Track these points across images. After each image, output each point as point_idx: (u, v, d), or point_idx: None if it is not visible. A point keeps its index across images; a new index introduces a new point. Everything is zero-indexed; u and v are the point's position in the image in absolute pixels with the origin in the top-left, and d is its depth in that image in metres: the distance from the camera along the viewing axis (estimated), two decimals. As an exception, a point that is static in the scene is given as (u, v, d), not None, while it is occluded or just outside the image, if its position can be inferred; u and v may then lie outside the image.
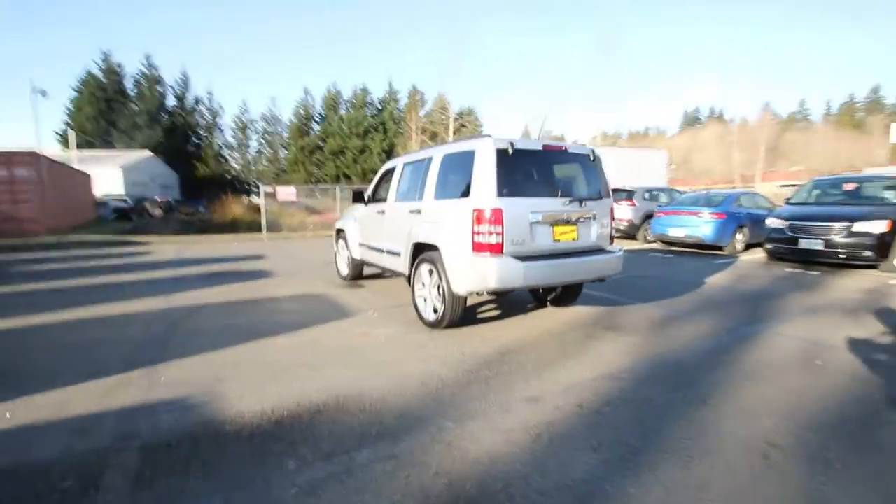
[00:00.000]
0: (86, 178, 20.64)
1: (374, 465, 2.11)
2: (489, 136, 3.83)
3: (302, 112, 44.52)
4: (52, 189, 15.28)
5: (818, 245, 7.50)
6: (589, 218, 4.13)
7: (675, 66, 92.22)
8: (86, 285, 6.57)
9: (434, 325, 4.16)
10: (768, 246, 8.42)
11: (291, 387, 3.00)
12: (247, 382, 3.07)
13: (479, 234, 3.67)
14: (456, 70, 42.17)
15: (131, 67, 55.40)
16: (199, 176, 40.09)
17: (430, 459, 2.16)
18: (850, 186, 8.56)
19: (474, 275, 3.70)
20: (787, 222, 8.01)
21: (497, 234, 3.59)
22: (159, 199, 28.09)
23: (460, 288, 3.82)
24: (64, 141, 33.90)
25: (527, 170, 3.80)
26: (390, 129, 44.17)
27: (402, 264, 4.80)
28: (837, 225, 7.36)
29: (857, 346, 3.76)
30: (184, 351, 3.66)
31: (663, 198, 13.01)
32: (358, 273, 6.49)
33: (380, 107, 45.85)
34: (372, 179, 5.98)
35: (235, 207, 29.09)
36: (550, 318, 4.69)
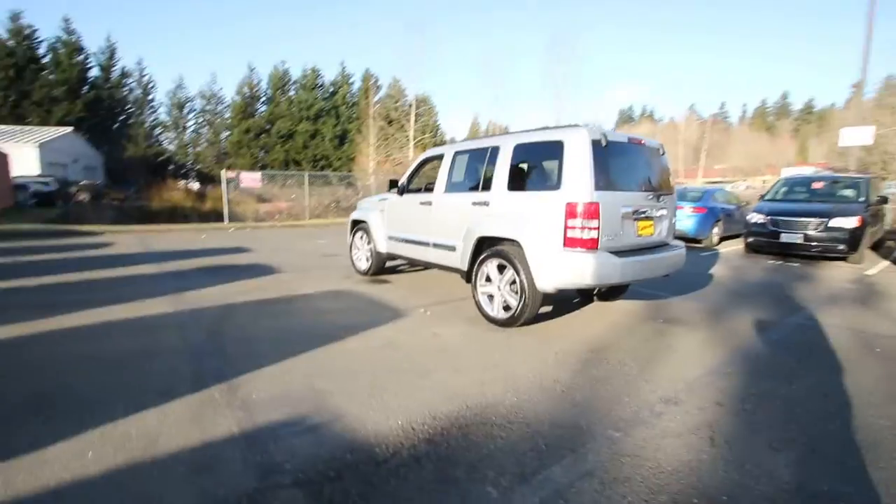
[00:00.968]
0: (1, 157, 17.87)
1: (579, 485, 1.94)
2: (578, 125, 3.70)
3: (246, 91, 41.55)
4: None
5: (798, 238, 8.14)
6: (663, 212, 4.14)
7: (614, 67, 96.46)
8: (61, 283, 5.66)
9: (506, 324, 3.99)
10: (750, 239, 9.02)
11: (410, 397, 2.73)
12: (355, 394, 2.75)
13: (572, 228, 3.54)
14: (414, 57, 41.13)
15: (47, 31, 48.83)
16: (127, 157, 36.28)
17: (629, 474, 2.02)
18: (817, 185, 9.38)
19: (567, 270, 3.58)
20: (769, 217, 8.62)
21: (593, 228, 3.49)
22: (87, 183, 25.07)
23: (547, 284, 3.69)
24: (-39, 113, 29.29)
25: (615, 163, 3.71)
26: (343, 113, 42.56)
27: (456, 259, 4.57)
28: (815, 220, 8.02)
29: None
30: (252, 361, 3.22)
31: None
32: (380, 267, 6.13)
33: (332, 90, 43.95)
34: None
35: (174, 193, 26.81)
36: (605, 312, 4.68)
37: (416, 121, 30.45)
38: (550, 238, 3.66)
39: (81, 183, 24.69)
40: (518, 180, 4.01)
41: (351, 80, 44.75)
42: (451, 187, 4.78)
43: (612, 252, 3.60)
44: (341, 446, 2.21)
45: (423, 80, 29.95)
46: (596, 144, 3.56)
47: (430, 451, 2.17)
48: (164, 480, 1.95)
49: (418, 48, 28.48)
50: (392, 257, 5.91)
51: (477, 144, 4.66)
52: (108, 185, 30.36)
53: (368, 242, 6.15)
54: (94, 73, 36.76)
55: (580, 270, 3.52)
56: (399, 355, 3.42)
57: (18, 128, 28.62)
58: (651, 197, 3.96)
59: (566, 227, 3.56)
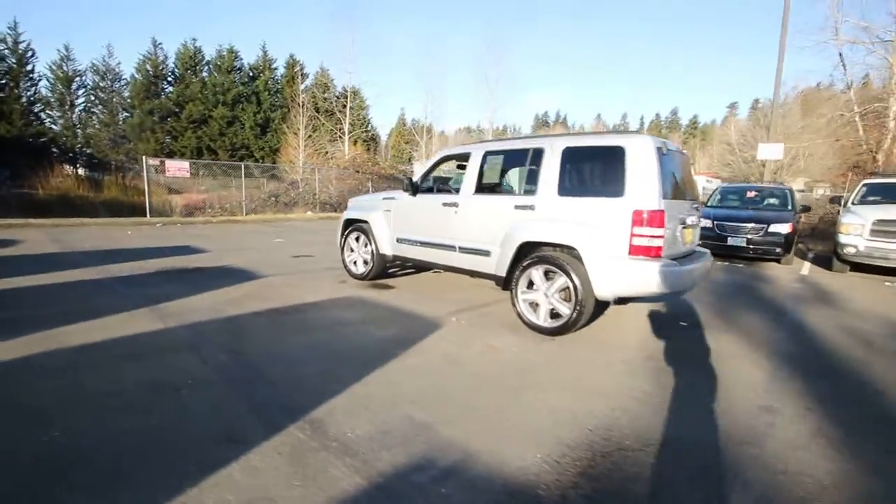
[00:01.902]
0: None
1: (771, 512, 1.86)
2: (638, 133, 3.67)
3: (149, 69, 36.92)
4: None
5: (742, 242, 9.05)
6: (695, 220, 4.27)
7: (532, 74, 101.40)
8: (-22, 294, 4.47)
9: (555, 332, 3.86)
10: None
11: (523, 423, 2.49)
12: (460, 423, 2.44)
13: (639, 236, 3.49)
14: (344, 47, 39.32)
15: None
16: (-4, 136, 30.42)
17: (803, 495, 1.99)
18: (751, 194, 10.53)
19: (633, 279, 3.53)
20: (715, 222, 9.49)
21: (659, 237, 3.47)
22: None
23: (608, 292, 3.61)
24: None
25: (669, 171, 3.73)
26: (265, 100, 39.65)
27: (490, 265, 4.34)
28: (757, 226, 8.98)
29: None
30: (310, 389, 2.74)
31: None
32: (381, 271, 5.69)
33: (252, 74, 40.70)
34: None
35: (63, 181, 23.04)
36: (628, 315, 4.75)
37: (350, 114, 29.22)
38: (613, 246, 3.59)
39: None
40: (570, 185, 3.89)
41: (274, 66, 41.87)
42: (483, 189, 4.53)
43: (673, 259, 3.63)
44: (498, 491, 1.91)
45: (354, 72, 28.60)
46: (659, 152, 3.56)
47: (599, 489, 1.96)
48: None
49: (348, 38, 27.23)
50: (397, 260, 5.50)
51: (513, 145, 4.46)
52: (-29, 168, 25.19)
53: (367, 245, 5.67)
54: (-51, 31, 30.34)
55: (646, 279, 3.50)
56: (469, 372, 3.13)
57: None
58: (693, 205, 4.08)
59: (632, 235, 3.51)
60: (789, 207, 9.59)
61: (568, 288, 3.80)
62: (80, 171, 32.97)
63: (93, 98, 36.11)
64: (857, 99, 17.46)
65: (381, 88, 78.16)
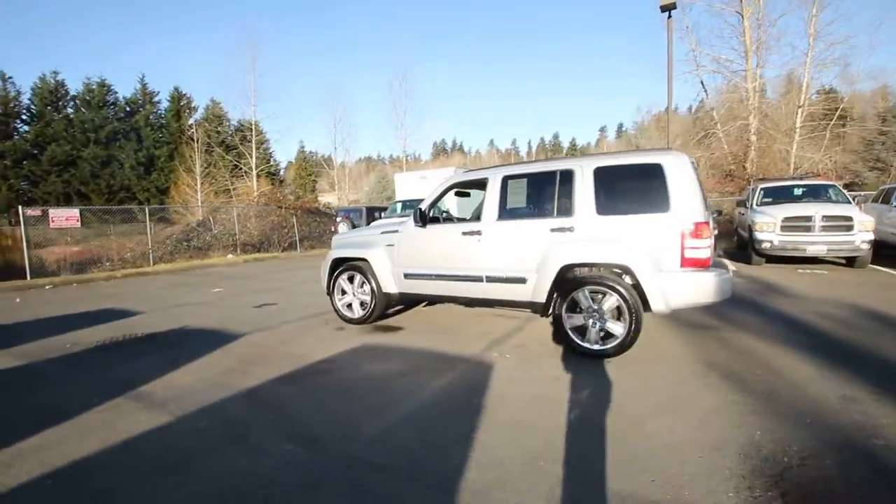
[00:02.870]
0: None
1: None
2: (669, 150, 3.80)
3: (-5, 105, 31.13)
4: None
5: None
6: (715, 228, 4.50)
7: (430, 104, 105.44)
8: None
9: (612, 353, 3.76)
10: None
11: (688, 459, 2.28)
12: (636, 474, 2.17)
13: (691, 248, 3.56)
14: (242, 78, 36.64)
15: None
16: None
17: None
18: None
19: (689, 289, 3.58)
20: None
21: (708, 247, 3.57)
22: None
23: (664, 305, 3.61)
24: None
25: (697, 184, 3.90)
26: (148, 136, 35.60)
27: (526, 292, 4.14)
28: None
29: None
30: (448, 470, 2.27)
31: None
32: (383, 312, 5.16)
33: (129, 109, 36.37)
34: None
35: None
36: (652, 329, 4.84)
37: (256, 148, 27.37)
38: (665, 259, 3.62)
39: None
40: (608, 204, 3.87)
41: (156, 99, 37.93)
42: (508, 214, 4.35)
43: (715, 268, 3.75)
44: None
45: (258, 105, 26.89)
46: (693, 166, 3.71)
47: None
48: None
49: (248, 67, 25.54)
50: (404, 298, 5.04)
51: (535, 168, 4.36)
52: None
53: (363, 285, 5.13)
54: None
55: (702, 288, 3.57)
56: (565, 411, 2.85)
57: None
58: (712, 213, 4.31)
59: (683, 248, 3.58)
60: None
61: (619, 306, 3.74)
62: None
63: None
64: (719, 118, 20.77)
65: (289, 121, 74.57)
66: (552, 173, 4.17)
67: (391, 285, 4.96)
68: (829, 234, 8.53)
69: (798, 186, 10.70)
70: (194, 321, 5.73)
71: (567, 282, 3.93)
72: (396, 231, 4.96)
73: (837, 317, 5.01)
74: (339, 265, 5.35)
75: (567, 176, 4.07)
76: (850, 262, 8.77)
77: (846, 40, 17.22)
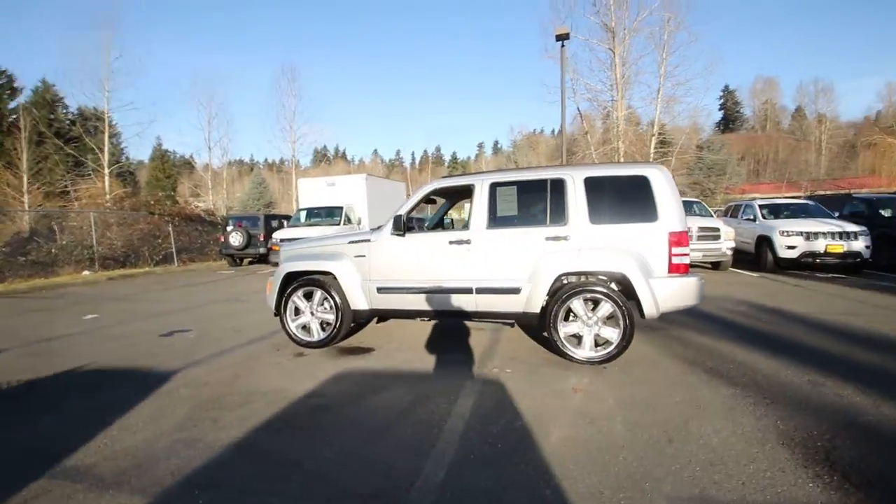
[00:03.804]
0: None
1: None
2: (654, 163, 4.05)
3: None
4: None
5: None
6: None
7: (313, 108, 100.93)
8: None
9: (605, 360, 3.84)
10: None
11: (751, 461, 2.37)
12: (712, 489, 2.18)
13: (676, 255, 3.82)
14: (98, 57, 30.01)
15: None
16: None
17: None
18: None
19: (676, 294, 3.82)
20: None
21: (688, 254, 3.87)
22: None
23: (654, 310, 3.80)
24: None
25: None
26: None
27: (519, 302, 4.04)
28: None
29: None
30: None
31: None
32: (349, 331, 4.60)
33: None
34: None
35: None
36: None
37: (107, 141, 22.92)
38: (655, 266, 3.83)
39: None
40: (600, 213, 3.97)
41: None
42: (499, 222, 4.19)
43: (687, 275, 4.09)
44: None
45: (112, 90, 22.49)
46: (672, 179, 4.01)
47: None
48: None
49: (102, 46, 20.78)
50: (376, 315, 4.55)
51: (525, 176, 4.27)
52: None
53: (324, 301, 4.51)
54: None
55: (687, 292, 3.85)
56: (609, 427, 2.80)
57: None
58: None
59: (671, 255, 3.82)
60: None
61: (613, 313, 3.85)
62: None
63: None
64: (592, 142, 23.55)
65: (152, 113, 63.31)
66: (542, 182, 4.16)
67: (361, 301, 4.44)
68: (703, 243, 10.13)
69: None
70: (85, 359, 4.43)
71: (562, 291, 3.93)
72: (367, 240, 4.47)
73: (743, 311, 5.88)
74: (292, 281, 4.63)
75: (558, 185, 4.09)
76: (716, 265, 10.52)
77: (687, 82, 21.01)
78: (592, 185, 4.04)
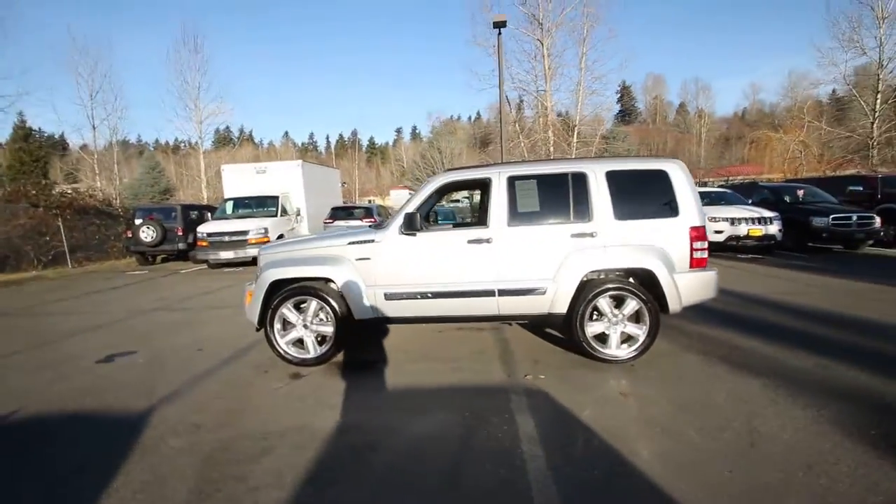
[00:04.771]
0: None
1: None
2: (672, 158, 4.01)
3: None
4: None
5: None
6: None
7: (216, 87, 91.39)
8: None
9: (632, 358, 3.80)
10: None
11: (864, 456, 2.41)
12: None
13: (698, 250, 3.83)
14: None
15: None
16: None
17: None
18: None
19: (699, 288, 3.84)
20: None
21: (706, 248, 3.92)
22: None
23: (678, 305, 3.80)
24: None
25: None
26: None
27: (544, 303, 3.82)
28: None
29: None
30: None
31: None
32: (341, 344, 4.06)
33: None
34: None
35: None
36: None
37: None
38: (679, 262, 3.81)
39: None
40: (623, 209, 3.84)
41: None
42: (520, 219, 3.89)
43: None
44: None
45: None
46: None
47: None
48: None
49: None
50: (382, 323, 4.06)
51: (544, 169, 3.99)
52: None
53: (320, 312, 3.93)
54: None
55: (707, 286, 3.89)
56: (679, 435, 2.72)
57: None
58: None
59: (692, 250, 3.83)
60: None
61: (640, 310, 3.80)
62: None
63: None
64: (521, 130, 24.13)
65: (20, 86, 51.27)
66: (563, 175, 3.95)
67: (365, 309, 3.93)
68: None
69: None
70: (5, 404, 3.41)
71: (588, 289, 3.79)
72: (372, 241, 3.94)
73: (731, 301, 6.23)
74: (279, 289, 3.96)
75: (580, 179, 3.91)
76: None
77: (602, 77, 22.30)
78: (614, 179, 3.92)
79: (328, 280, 3.94)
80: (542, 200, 3.98)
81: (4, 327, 6.14)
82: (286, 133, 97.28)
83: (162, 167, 55.70)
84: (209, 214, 13.11)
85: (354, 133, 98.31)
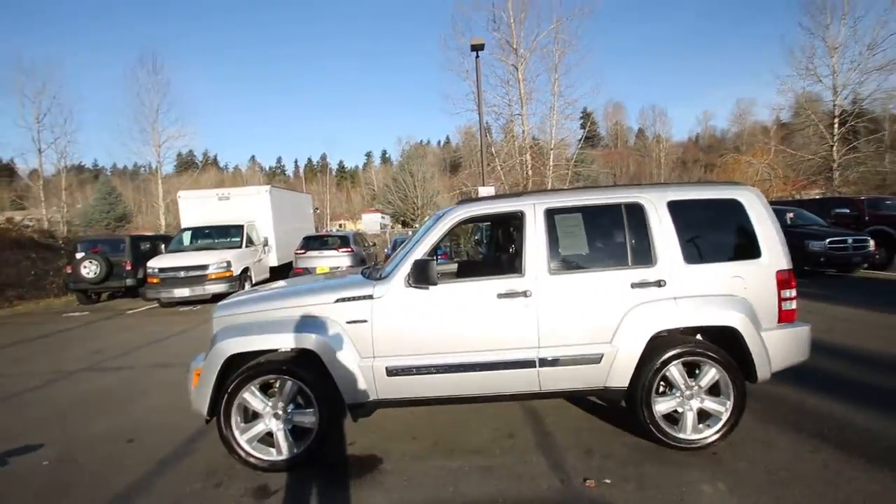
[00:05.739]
0: None
1: None
2: (743, 184, 3.22)
3: None
4: None
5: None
6: None
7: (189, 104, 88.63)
8: None
9: (714, 442, 2.91)
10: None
11: None
12: None
13: (786, 300, 3.02)
14: None
15: None
16: None
17: None
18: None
19: (791, 350, 3.02)
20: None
21: (795, 297, 3.11)
22: None
23: (767, 372, 2.96)
24: None
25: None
26: None
27: (601, 374, 2.90)
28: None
29: None
30: None
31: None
32: (324, 440, 2.98)
33: None
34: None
35: None
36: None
37: None
38: (765, 316, 2.98)
39: None
40: (693, 249, 3.01)
41: None
42: (564, 264, 2.98)
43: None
44: None
45: None
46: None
47: None
48: None
49: None
50: (382, 407, 3.01)
51: (589, 199, 3.10)
52: None
53: (294, 399, 2.87)
54: None
55: (800, 345, 3.07)
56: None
57: None
58: None
59: (780, 300, 3.02)
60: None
61: (719, 381, 2.93)
62: None
63: None
64: (497, 154, 23.69)
65: None
66: (615, 207, 3.08)
67: (360, 391, 2.88)
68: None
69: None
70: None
71: (657, 354, 2.89)
72: (369, 296, 2.92)
73: None
74: (237, 365, 2.88)
75: (636, 211, 3.05)
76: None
77: (574, 102, 22.26)
78: (678, 211, 3.08)
79: (308, 352, 2.88)
80: (591, 240, 3.10)
81: None
82: (253, 157, 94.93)
83: (119, 193, 52.67)
84: (163, 246, 11.66)
85: (324, 157, 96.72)
